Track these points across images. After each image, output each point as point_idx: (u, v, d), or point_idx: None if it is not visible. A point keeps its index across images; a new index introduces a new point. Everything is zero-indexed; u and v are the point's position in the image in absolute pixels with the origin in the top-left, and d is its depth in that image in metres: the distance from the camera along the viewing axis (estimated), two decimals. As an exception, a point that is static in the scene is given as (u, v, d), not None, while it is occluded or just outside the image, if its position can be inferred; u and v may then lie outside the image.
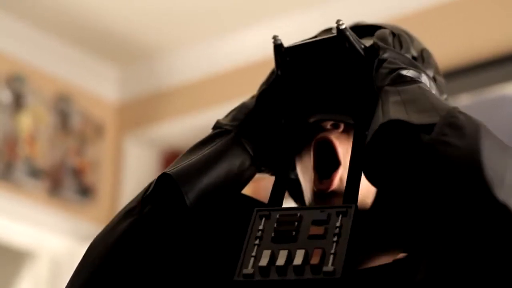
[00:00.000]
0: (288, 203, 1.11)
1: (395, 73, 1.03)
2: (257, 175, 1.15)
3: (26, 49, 3.46)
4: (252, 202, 1.11)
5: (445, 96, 1.16)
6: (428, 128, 0.94)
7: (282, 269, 0.92)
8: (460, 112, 0.95)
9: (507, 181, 0.88)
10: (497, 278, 0.86)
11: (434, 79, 1.13)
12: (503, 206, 0.86)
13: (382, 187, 1.00)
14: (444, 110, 0.95)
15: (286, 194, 1.10)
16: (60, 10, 3.32)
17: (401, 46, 1.11)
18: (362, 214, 1.03)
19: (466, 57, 2.80)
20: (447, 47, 2.76)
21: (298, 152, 1.13)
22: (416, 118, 0.95)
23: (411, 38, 1.16)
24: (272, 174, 1.15)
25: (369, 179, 0.99)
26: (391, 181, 0.97)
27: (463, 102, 2.68)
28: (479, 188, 0.87)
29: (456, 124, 0.93)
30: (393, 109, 0.97)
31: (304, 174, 1.12)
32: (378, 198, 1.08)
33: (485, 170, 0.88)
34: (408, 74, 1.03)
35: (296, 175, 1.16)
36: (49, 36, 3.49)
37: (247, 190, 1.12)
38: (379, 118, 0.97)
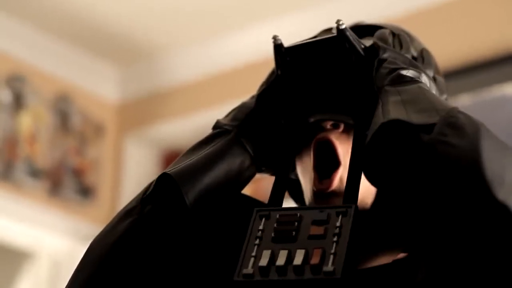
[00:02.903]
0: (288, 203, 1.11)
1: (395, 73, 1.03)
2: (257, 175, 1.15)
3: (26, 49, 3.46)
4: (252, 202, 1.11)
5: (445, 96, 1.16)
6: (428, 128, 0.94)
7: (282, 269, 0.92)
8: (460, 112, 0.95)
9: (507, 181, 0.88)
10: (496, 278, 0.86)
11: (434, 79, 1.13)
12: (503, 206, 0.86)
13: (382, 187, 1.00)
14: (444, 110, 0.95)
15: (286, 194, 1.10)
16: (60, 10, 3.32)
17: (401, 46, 1.11)
18: (362, 214, 1.02)
19: (466, 57, 2.80)
20: (447, 47, 2.76)
21: (298, 152, 1.13)
22: (416, 118, 0.95)
23: (410, 38, 1.16)
24: (272, 174, 1.15)
25: (369, 179, 0.99)
26: (391, 181, 0.97)
27: (463, 102, 2.68)
28: (479, 188, 0.87)
29: (456, 124, 0.93)
30: (393, 109, 0.97)
31: (304, 174, 1.12)
32: (378, 198, 1.08)
33: (485, 170, 0.88)
34: (408, 74, 1.03)
35: (296, 175, 1.16)
36: (49, 36, 3.49)
37: (247, 190, 1.12)
38: (379, 118, 0.97)
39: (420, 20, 2.91)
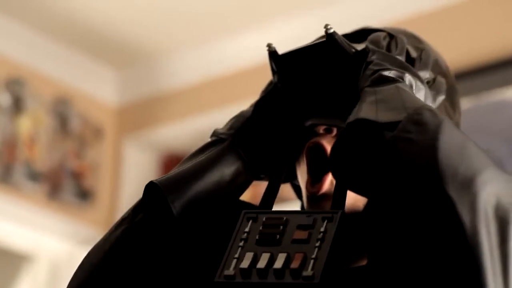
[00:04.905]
0: (284, 207, 1.11)
1: (376, 74, 1.03)
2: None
3: (25, 52, 3.46)
4: (249, 207, 1.11)
5: (442, 97, 1.14)
6: (393, 126, 0.94)
7: (262, 272, 0.93)
8: (428, 109, 0.95)
9: (459, 175, 0.87)
10: (433, 275, 0.85)
11: (433, 80, 1.13)
12: (450, 201, 0.86)
13: (351, 188, 1.00)
14: (412, 108, 0.95)
15: (278, 198, 1.11)
16: (60, 13, 3.32)
17: (396, 47, 1.11)
18: (354, 217, 1.04)
19: (466, 61, 2.80)
20: (447, 51, 2.75)
21: (296, 157, 1.13)
22: (383, 117, 0.95)
23: (412, 40, 1.15)
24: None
25: (336, 179, 1.00)
26: (358, 182, 0.98)
27: (463, 106, 2.67)
28: (431, 183, 0.87)
29: (420, 121, 0.93)
30: (365, 108, 0.97)
31: (301, 178, 1.13)
32: (370, 201, 1.09)
33: (440, 164, 0.88)
34: (389, 75, 1.03)
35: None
36: (48, 39, 3.49)
37: (245, 196, 1.13)
38: (349, 118, 0.98)
39: (420, 24, 2.91)
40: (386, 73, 1.03)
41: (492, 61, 2.76)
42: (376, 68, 1.04)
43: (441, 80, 1.15)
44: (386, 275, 0.93)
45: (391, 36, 1.13)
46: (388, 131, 0.94)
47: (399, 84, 1.02)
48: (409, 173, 0.90)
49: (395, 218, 0.90)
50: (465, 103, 2.69)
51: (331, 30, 1.07)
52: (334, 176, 1.01)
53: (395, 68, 1.05)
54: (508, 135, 2.51)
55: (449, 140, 0.91)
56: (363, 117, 0.96)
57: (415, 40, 1.16)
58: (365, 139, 0.98)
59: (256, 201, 1.14)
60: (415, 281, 0.86)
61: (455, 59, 2.78)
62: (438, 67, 1.16)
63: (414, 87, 1.06)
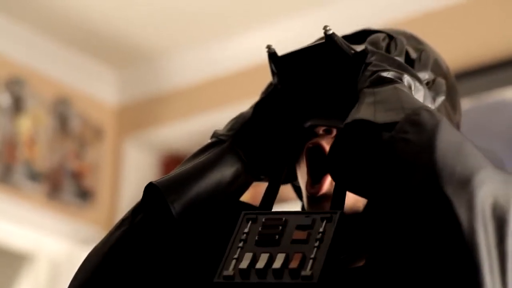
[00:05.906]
0: (284, 207, 1.11)
1: (374, 75, 1.03)
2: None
3: (25, 52, 3.46)
4: (249, 208, 1.11)
5: (442, 98, 1.14)
6: (390, 126, 0.94)
7: (261, 272, 0.93)
8: (426, 110, 0.95)
9: (456, 175, 0.87)
10: (431, 275, 0.85)
11: (433, 81, 1.13)
12: (447, 200, 0.86)
13: (350, 188, 1.00)
14: (410, 109, 0.96)
15: (278, 198, 1.11)
16: (59, 13, 3.32)
17: (396, 49, 1.11)
18: (354, 217, 1.04)
19: (466, 61, 2.80)
20: (448, 51, 2.75)
21: (296, 158, 1.14)
22: (380, 117, 0.95)
23: (412, 41, 1.15)
24: None
25: (334, 179, 1.00)
26: (356, 182, 0.98)
27: (463, 106, 2.67)
28: (428, 183, 0.88)
29: (417, 121, 0.93)
30: (363, 109, 0.97)
31: (302, 179, 1.13)
32: (369, 201, 1.09)
33: (436, 164, 0.88)
34: (388, 76, 1.03)
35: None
36: (48, 39, 3.50)
37: (245, 196, 1.13)
38: (347, 119, 0.98)
39: (420, 24, 2.91)
40: (384, 74, 1.03)
41: (492, 61, 2.76)
42: (374, 69, 1.04)
43: (441, 80, 1.15)
44: (384, 275, 0.93)
45: (391, 37, 1.13)
46: (385, 131, 0.94)
47: (397, 85, 1.02)
48: (406, 173, 0.90)
49: (392, 218, 0.90)
50: (465, 103, 2.68)
51: (330, 32, 1.07)
52: (332, 176, 1.01)
53: (393, 69, 1.05)
54: (509, 136, 2.51)
55: (446, 140, 0.91)
56: (360, 118, 0.96)
57: (415, 41, 1.16)
58: (363, 140, 0.98)
59: (256, 201, 1.14)
60: (413, 281, 0.86)
61: (455, 59, 2.78)
62: (438, 68, 1.16)
63: (413, 88, 1.06)
